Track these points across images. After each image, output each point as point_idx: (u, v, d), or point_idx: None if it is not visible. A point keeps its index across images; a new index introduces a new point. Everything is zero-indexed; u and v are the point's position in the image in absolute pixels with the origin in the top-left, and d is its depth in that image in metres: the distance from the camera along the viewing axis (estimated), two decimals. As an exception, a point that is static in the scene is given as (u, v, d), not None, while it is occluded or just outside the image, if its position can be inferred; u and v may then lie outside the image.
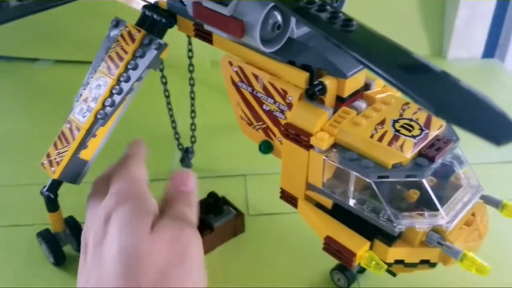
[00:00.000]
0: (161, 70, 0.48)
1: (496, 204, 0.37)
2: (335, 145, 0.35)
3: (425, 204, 0.34)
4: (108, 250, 0.31)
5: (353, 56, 0.27)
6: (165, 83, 0.53)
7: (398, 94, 0.39)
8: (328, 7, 0.30)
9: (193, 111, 0.56)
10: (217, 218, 0.52)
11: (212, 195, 0.53)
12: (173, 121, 0.59)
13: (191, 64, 0.51)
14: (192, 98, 0.52)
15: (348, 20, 0.29)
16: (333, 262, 0.47)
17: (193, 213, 0.36)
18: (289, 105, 0.37)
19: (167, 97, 0.55)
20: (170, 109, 0.57)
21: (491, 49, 0.92)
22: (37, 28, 0.88)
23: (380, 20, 0.86)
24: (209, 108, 0.73)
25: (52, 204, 0.48)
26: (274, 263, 0.51)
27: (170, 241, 0.32)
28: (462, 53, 0.91)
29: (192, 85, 0.54)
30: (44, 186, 0.47)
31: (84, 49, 0.85)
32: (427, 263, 0.36)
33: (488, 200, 0.37)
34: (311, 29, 0.29)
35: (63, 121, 0.45)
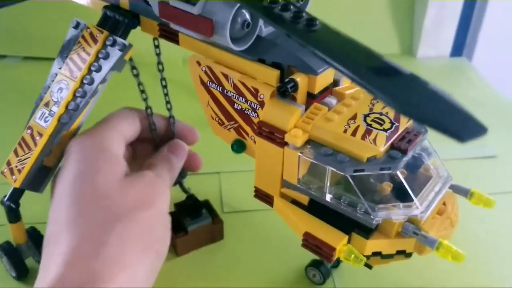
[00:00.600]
0: (136, 75, 0.45)
1: (465, 192, 0.38)
2: (309, 141, 0.35)
3: (399, 195, 0.35)
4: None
5: (317, 55, 0.27)
6: (142, 91, 0.48)
7: (366, 89, 0.40)
8: (291, 7, 0.30)
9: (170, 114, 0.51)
10: (193, 221, 0.51)
11: (191, 198, 0.52)
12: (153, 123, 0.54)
13: (160, 63, 0.48)
14: (168, 102, 0.49)
15: (311, 20, 0.29)
16: (307, 258, 0.48)
17: (171, 177, 0.42)
18: (261, 103, 0.37)
19: (145, 99, 0.49)
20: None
21: (459, 48, 0.96)
22: (5, 25, 0.86)
23: (350, 19, 0.89)
24: (181, 107, 0.72)
25: (13, 215, 0.45)
26: (249, 261, 0.51)
27: (144, 186, 0.37)
28: (431, 52, 0.94)
29: (164, 87, 0.49)
30: (5, 196, 0.45)
31: (53, 45, 0.82)
32: (403, 254, 0.36)
33: (456, 189, 0.38)
34: (275, 29, 0.29)
35: None
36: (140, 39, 0.42)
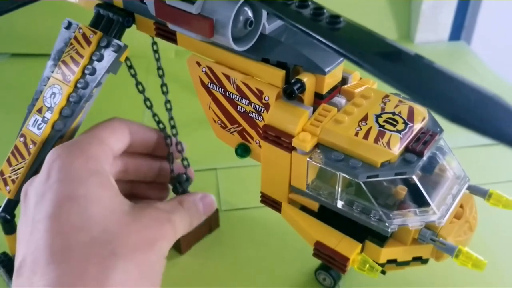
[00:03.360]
0: (134, 75, 0.43)
1: (483, 193, 0.36)
2: (318, 145, 0.33)
3: (414, 199, 0.33)
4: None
5: (344, 56, 0.25)
6: (142, 91, 0.45)
7: (375, 86, 0.38)
8: (309, 3, 0.28)
9: (173, 122, 0.47)
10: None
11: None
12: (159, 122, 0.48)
13: (160, 68, 0.45)
14: (168, 102, 0.46)
15: (335, 17, 0.26)
16: (313, 259, 0.46)
17: (184, 229, 0.38)
18: (266, 106, 0.35)
19: (149, 107, 0.46)
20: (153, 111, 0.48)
21: (457, 31, 0.93)
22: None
23: (346, 4, 0.86)
24: (174, 101, 0.70)
25: (8, 226, 0.44)
26: (252, 261, 0.49)
27: (150, 223, 0.33)
28: (429, 36, 0.92)
29: (165, 93, 0.47)
30: (-1, 207, 0.43)
31: (41, 42, 0.83)
32: (419, 260, 0.35)
33: (474, 190, 0.36)
34: (295, 29, 0.27)
35: (23, 119, 0.41)
36: (132, 31, 0.40)
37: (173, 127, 0.47)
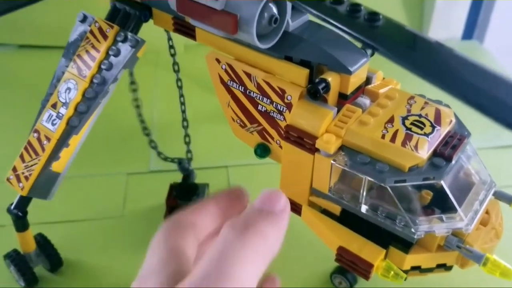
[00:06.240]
0: (134, 90, 0.43)
1: (509, 199, 0.35)
2: (342, 147, 0.32)
3: (440, 205, 0.32)
4: None
5: (384, 54, 0.24)
6: (135, 90, 0.47)
7: (399, 86, 0.37)
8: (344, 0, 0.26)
9: (184, 115, 0.48)
10: (200, 197, 0.51)
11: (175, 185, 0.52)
12: (139, 115, 0.52)
13: (175, 63, 0.45)
14: (182, 103, 0.46)
15: (373, 14, 0.25)
16: (329, 261, 0.45)
17: (278, 238, 0.26)
18: (288, 105, 0.34)
19: (134, 90, 0.48)
20: (137, 106, 0.51)
21: (470, 30, 0.92)
22: (-1, 13, 0.83)
23: (359, 1, 0.85)
24: (185, 96, 0.69)
25: (20, 223, 0.43)
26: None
27: None
28: (442, 34, 0.90)
29: (180, 87, 0.48)
30: (11, 203, 0.42)
31: (49, 33, 0.82)
32: (443, 267, 0.34)
33: (500, 195, 0.35)
34: (330, 26, 0.26)
35: (30, 111, 0.40)
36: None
37: (184, 119, 0.47)
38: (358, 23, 0.25)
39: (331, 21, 0.25)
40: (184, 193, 0.50)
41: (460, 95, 0.21)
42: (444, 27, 0.89)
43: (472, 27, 0.92)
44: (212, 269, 0.21)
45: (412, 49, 0.23)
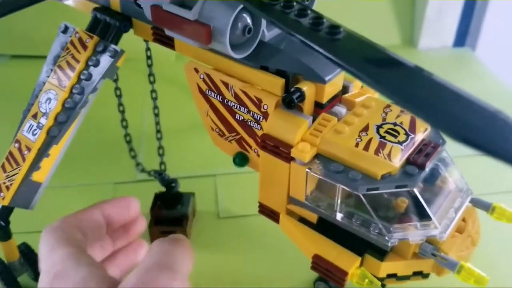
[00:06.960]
0: (115, 80, 0.44)
1: (486, 207, 0.35)
2: (317, 156, 0.33)
3: (414, 212, 0.32)
4: None
5: (342, 67, 0.24)
6: (119, 96, 0.48)
7: (377, 95, 0.37)
8: (308, 12, 0.27)
9: (158, 127, 0.51)
10: (185, 206, 0.52)
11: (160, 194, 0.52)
12: (123, 120, 0.52)
13: (149, 57, 0.47)
14: (156, 115, 0.48)
15: (334, 27, 0.26)
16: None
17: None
18: (265, 114, 0.34)
19: (119, 96, 0.50)
20: (122, 111, 0.52)
21: (462, 37, 0.92)
22: (-8, 22, 0.83)
23: (349, 10, 0.85)
24: (174, 105, 0.69)
25: (3, 233, 0.43)
26: (250, 270, 0.48)
27: None
28: (433, 42, 0.90)
29: (154, 96, 0.49)
30: (-7, 213, 0.42)
31: (41, 44, 0.81)
32: (420, 275, 0.34)
33: (477, 203, 0.35)
34: (293, 38, 0.26)
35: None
36: (131, 34, 0.39)
37: (158, 131, 0.51)
38: (319, 36, 0.25)
39: (294, 33, 0.26)
40: (169, 202, 0.51)
41: (413, 107, 0.21)
42: (435, 34, 0.89)
43: (464, 35, 0.92)
44: None
45: (370, 63, 0.23)
